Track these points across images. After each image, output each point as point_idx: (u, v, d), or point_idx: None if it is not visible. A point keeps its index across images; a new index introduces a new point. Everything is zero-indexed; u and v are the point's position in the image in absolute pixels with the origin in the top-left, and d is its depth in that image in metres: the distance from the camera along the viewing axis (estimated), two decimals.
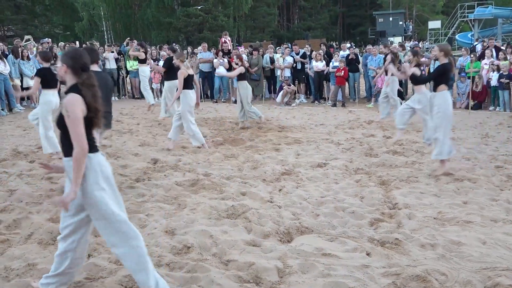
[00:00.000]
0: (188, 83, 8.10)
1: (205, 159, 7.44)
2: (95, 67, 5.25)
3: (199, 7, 36.71)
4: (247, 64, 15.63)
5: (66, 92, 3.09)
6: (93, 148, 3.11)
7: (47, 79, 7.11)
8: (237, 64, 10.57)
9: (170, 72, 10.31)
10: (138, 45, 13.88)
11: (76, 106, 2.99)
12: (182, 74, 8.03)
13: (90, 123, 3.08)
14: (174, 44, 23.44)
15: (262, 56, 16.47)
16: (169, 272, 3.62)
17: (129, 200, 5.37)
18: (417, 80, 7.61)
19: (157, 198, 5.47)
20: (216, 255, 3.94)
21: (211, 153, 7.91)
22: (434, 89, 6.29)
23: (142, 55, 12.96)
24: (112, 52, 16.74)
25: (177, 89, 8.47)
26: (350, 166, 6.98)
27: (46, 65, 7.23)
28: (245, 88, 10.20)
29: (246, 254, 3.93)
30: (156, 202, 5.35)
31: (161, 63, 14.00)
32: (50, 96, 7.24)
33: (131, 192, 5.71)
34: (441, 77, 6.20)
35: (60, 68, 3.14)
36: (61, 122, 3.06)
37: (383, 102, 10.71)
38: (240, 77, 10.23)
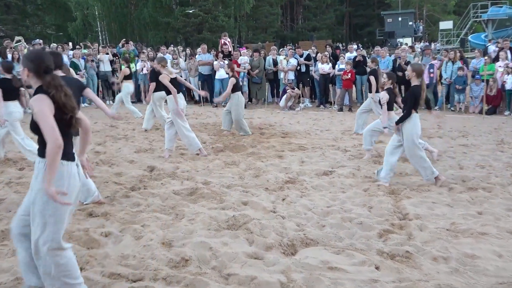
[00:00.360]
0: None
1: (204, 167, 7.43)
2: (58, 73, 5.29)
3: (190, 11, 36.75)
4: (248, 67, 15.69)
5: (33, 95, 3.15)
6: (68, 155, 3.17)
7: (7, 90, 7.19)
8: (227, 74, 10.48)
9: (158, 84, 10.25)
10: (123, 60, 13.87)
11: (41, 102, 3.05)
12: (165, 77, 7.99)
13: (69, 124, 3.14)
14: (172, 45, 23.52)
15: (264, 58, 16.50)
16: (165, 286, 3.61)
17: (123, 210, 5.36)
18: (389, 107, 7.62)
19: (154, 208, 5.46)
20: (216, 269, 3.92)
21: (210, 160, 7.91)
22: (403, 112, 6.34)
23: (127, 71, 12.94)
24: (107, 53, 16.83)
25: (165, 100, 8.35)
26: (357, 174, 6.96)
27: (8, 76, 7.27)
28: (237, 100, 10.07)
29: (247, 267, 3.91)
30: (153, 212, 5.34)
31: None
32: (11, 108, 7.38)
33: (126, 202, 5.70)
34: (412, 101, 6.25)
35: (22, 72, 3.20)
36: (32, 126, 3.14)
37: (362, 115, 10.29)
38: (233, 89, 10.13)
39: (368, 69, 11.68)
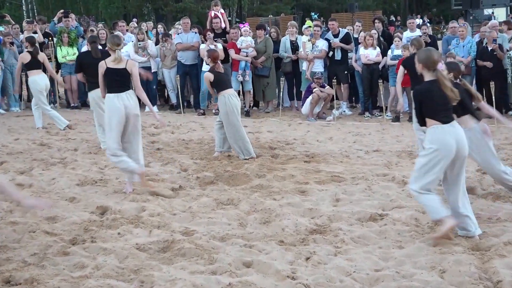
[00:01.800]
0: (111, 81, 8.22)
1: (185, 208, 7.46)
2: None
3: None
4: (253, 53, 15.77)
5: None
6: None
7: None
8: (208, 64, 10.59)
9: (90, 75, 10.10)
10: (27, 42, 13.81)
11: None
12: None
13: None
14: (135, 19, 23.69)
15: (277, 39, 16.50)
16: None
17: (59, 275, 5.38)
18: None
19: (106, 272, 5.47)
20: None
21: (194, 197, 7.93)
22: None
23: (26, 58, 12.97)
24: (35, 33, 16.94)
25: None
26: (422, 219, 6.95)
27: None
28: (224, 104, 10.13)
29: None
30: (104, 278, 5.35)
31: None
32: None
33: (63, 262, 5.71)
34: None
35: None
36: None
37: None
38: (216, 85, 10.20)
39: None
